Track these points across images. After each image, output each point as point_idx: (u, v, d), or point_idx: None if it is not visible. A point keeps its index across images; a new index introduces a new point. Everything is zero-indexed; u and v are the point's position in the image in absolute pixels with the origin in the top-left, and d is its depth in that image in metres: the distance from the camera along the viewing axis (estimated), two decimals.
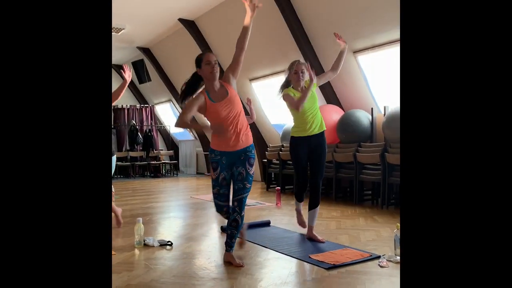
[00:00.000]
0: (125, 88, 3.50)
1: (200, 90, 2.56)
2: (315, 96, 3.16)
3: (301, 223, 3.40)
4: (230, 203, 2.63)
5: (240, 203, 2.55)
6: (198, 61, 2.51)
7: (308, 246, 3.03)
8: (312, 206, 3.21)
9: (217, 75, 2.48)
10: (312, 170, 3.20)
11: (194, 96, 2.55)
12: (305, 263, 2.63)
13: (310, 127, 3.12)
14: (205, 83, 2.53)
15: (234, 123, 2.51)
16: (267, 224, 3.84)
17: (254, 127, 8.00)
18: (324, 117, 5.64)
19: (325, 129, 3.21)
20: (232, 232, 2.60)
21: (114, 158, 3.50)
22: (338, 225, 3.83)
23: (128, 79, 3.52)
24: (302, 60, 3.28)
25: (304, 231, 3.40)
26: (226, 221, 2.68)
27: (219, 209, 2.65)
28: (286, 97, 3.10)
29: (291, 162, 6.20)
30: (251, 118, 5.62)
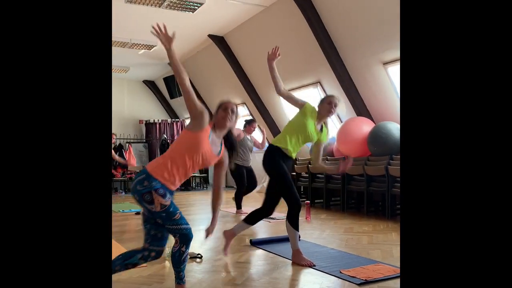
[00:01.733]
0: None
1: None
2: (313, 140, 3.02)
3: (308, 262, 2.88)
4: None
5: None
6: (218, 106, 2.33)
7: (339, 261, 2.96)
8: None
9: (227, 126, 2.27)
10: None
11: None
12: (336, 278, 2.58)
13: (293, 152, 2.98)
14: (214, 126, 2.28)
15: (194, 168, 2.19)
16: None
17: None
18: (354, 129, 5.66)
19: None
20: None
21: None
22: (370, 240, 3.74)
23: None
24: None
25: (336, 244, 3.33)
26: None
27: (191, 232, 2.20)
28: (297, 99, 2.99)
29: (321, 176, 6.15)
30: (262, 144, 5.63)
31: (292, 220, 2.92)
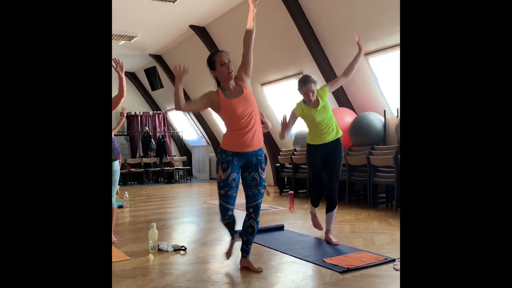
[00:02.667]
0: (124, 89, 2.94)
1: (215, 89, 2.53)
2: (328, 107, 3.17)
3: (317, 225, 3.47)
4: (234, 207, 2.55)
5: (256, 209, 2.52)
6: (211, 63, 2.45)
7: (322, 250, 3.01)
8: (328, 210, 3.22)
9: (233, 73, 2.45)
10: (327, 175, 3.22)
11: (205, 92, 2.49)
12: (319, 266, 2.62)
13: (324, 136, 3.15)
14: (221, 83, 2.48)
15: (249, 121, 2.44)
16: (280, 228, 3.83)
17: (266, 132, 8.00)
18: (336, 120, 5.67)
19: (341, 134, 3.22)
20: (248, 238, 2.58)
21: (116, 163, 3.23)
22: (352, 229, 3.80)
23: (122, 72, 3.01)
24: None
25: (319, 234, 3.38)
26: (238, 224, 2.66)
27: (225, 213, 2.50)
28: (292, 115, 3.22)
29: (304, 166, 6.22)
30: (267, 127, 5.55)
31: (311, 201, 3.42)
